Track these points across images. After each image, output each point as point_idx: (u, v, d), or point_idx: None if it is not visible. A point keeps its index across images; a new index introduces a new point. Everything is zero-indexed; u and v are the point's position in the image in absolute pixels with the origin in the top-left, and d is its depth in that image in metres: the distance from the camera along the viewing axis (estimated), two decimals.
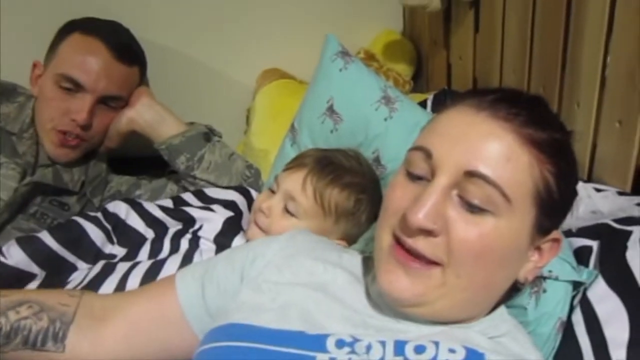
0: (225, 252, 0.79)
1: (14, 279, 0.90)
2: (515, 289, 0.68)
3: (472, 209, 0.59)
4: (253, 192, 1.13)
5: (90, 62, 1.10)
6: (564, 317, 0.80)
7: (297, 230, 0.81)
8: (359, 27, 1.61)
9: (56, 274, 0.94)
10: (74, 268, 0.96)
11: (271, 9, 1.50)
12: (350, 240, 0.97)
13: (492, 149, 0.60)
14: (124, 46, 1.15)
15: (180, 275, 0.75)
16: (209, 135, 1.22)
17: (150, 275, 0.90)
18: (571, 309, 0.81)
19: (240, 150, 1.39)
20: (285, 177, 0.96)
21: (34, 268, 0.92)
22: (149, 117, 1.19)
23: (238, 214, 1.05)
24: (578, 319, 0.79)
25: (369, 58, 1.55)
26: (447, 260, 0.60)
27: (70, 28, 1.14)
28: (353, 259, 0.74)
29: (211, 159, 1.19)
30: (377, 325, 0.64)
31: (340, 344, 0.61)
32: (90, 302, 0.74)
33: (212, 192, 1.13)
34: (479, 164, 0.59)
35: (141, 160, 1.31)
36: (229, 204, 1.07)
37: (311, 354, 0.60)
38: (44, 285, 0.91)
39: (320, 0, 1.55)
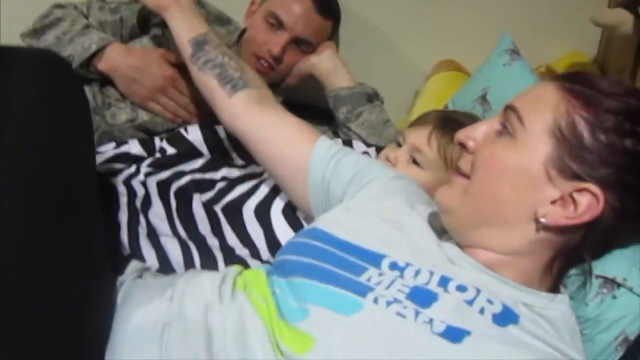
0: (359, 155, 0.94)
1: (187, 151, 1.13)
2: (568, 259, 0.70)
3: (500, 133, 0.71)
4: None
5: (295, 7, 1.30)
6: (631, 335, 0.79)
7: (405, 177, 0.92)
8: (550, 43, 1.63)
9: (219, 159, 1.16)
10: (231, 160, 1.17)
11: (462, 7, 1.59)
12: None
13: (531, 91, 0.72)
14: (325, 1, 1.33)
15: (321, 141, 0.93)
16: (372, 97, 1.37)
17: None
18: None
19: (398, 126, 1.51)
20: (412, 132, 1.07)
21: (204, 149, 1.15)
22: (328, 66, 1.36)
23: None
24: None
25: (548, 74, 1.57)
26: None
27: None
28: (438, 216, 0.81)
29: (367, 118, 1.33)
30: (433, 261, 0.72)
31: (393, 266, 0.71)
32: (267, 96, 1.01)
33: (357, 145, 1.27)
34: (515, 102, 0.71)
35: (315, 108, 1.51)
36: (364, 153, 1.20)
37: (365, 265, 0.71)
38: (206, 164, 1.13)
39: (518, 11, 1.60)
